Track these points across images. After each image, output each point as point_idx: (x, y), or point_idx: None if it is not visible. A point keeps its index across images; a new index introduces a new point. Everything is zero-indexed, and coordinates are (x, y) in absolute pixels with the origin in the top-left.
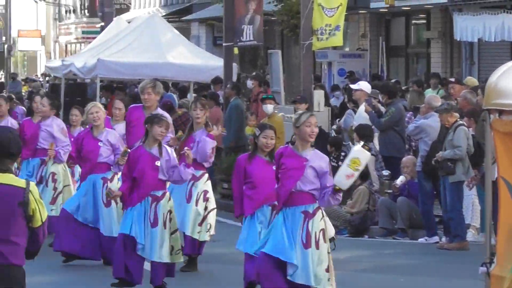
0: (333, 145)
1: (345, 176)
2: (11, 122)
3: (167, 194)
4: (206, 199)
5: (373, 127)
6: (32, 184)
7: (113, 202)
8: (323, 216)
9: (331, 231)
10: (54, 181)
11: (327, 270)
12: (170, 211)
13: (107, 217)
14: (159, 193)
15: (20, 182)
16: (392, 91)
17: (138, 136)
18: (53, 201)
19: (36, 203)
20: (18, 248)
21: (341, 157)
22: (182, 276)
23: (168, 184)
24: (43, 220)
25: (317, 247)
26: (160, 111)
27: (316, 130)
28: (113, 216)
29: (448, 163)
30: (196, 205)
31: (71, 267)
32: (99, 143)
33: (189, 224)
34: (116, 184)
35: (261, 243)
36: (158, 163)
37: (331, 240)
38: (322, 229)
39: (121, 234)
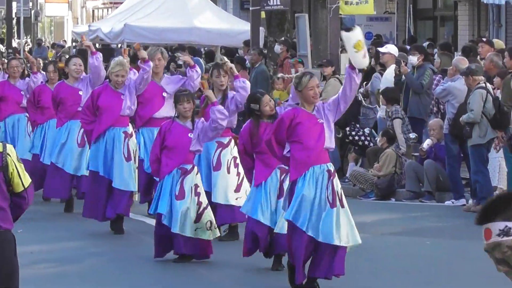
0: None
1: (361, 58)
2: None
3: (195, 168)
4: (237, 165)
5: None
6: (9, 147)
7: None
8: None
9: None
10: None
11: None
12: (197, 185)
13: (126, 171)
14: (188, 167)
15: None
16: (428, 53)
17: (154, 106)
18: None
19: (15, 166)
20: (5, 213)
21: (354, 132)
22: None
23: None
24: (26, 186)
25: (342, 205)
26: (166, 77)
27: (319, 90)
28: (131, 171)
29: (466, 126)
30: (228, 172)
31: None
32: (121, 96)
33: (221, 192)
34: (135, 139)
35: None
36: (191, 135)
37: None
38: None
39: (159, 214)
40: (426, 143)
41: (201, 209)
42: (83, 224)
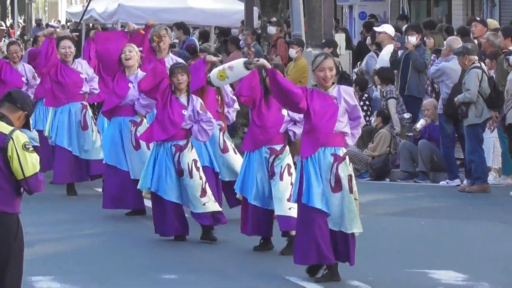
0: (357, 85)
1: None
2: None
3: (190, 144)
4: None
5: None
6: (18, 133)
7: (143, 145)
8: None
9: None
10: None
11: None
12: (196, 160)
13: (136, 160)
14: (182, 143)
15: (5, 129)
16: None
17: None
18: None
19: (15, 152)
20: (5, 195)
21: (364, 98)
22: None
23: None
24: (26, 175)
25: (351, 191)
26: (171, 55)
27: (331, 73)
28: (143, 159)
29: (462, 106)
30: (235, 153)
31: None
32: (129, 84)
33: (230, 171)
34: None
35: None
36: (184, 112)
37: None
38: (350, 175)
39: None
40: (420, 123)
41: (204, 184)
42: (79, 206)
